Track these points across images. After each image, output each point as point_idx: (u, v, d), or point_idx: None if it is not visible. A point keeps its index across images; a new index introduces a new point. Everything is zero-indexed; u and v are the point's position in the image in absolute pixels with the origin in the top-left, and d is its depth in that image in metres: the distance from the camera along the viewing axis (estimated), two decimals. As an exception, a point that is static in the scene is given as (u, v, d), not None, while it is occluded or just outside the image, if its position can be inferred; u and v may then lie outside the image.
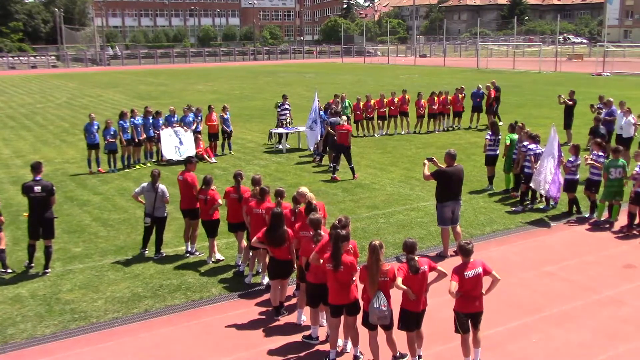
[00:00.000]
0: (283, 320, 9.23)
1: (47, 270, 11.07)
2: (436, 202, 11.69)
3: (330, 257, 7.69)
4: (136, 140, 19.57)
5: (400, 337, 7.81)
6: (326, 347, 8.20)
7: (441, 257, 11.44)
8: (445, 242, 11.67)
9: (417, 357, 7.84)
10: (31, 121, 30.86)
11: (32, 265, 11.24)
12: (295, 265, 9.33)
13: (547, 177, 13.51)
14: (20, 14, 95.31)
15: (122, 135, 19.16)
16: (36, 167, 11.27)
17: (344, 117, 18.59)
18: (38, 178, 11.15)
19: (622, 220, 13.17)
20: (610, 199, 13.17)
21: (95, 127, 19.02)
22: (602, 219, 13.41)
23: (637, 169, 12.67)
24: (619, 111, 19.47)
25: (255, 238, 9.32)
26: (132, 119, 19.67)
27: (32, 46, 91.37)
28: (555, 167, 13.56)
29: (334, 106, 20.97)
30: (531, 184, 13.92)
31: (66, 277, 10.85)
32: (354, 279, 7.76)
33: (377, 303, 7.37)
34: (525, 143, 14.49)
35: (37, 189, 10.99)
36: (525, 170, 14.31)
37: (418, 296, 7.52)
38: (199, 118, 21.30)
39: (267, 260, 10.38)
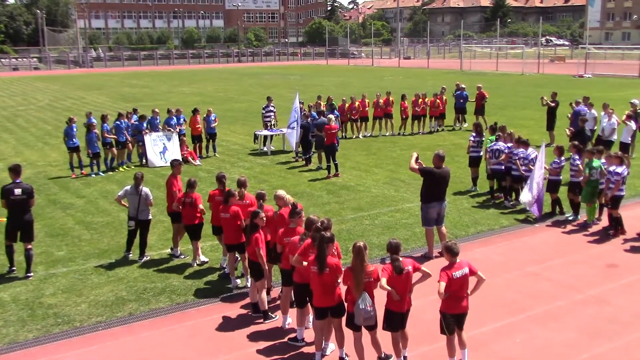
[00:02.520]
0: (268, 323, 9.20)
1: (29, 274, 10.95)
2: (421, 202, 11.71)
3: (315, 260, 7.68)
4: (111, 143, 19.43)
5: (384, 337, 7.82)
6: (312, 349, 8.18)
7: (426, 258, 11.47)
8: (430, 243, 11.70)
9: (402, 357, 7.85)
10: (13, 124, 30.55)
11: (14, 269, 11.12)
12: (267, 269, 9.30)
13: (534, 194, 13.67)
14: (1, 16, 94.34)
15: (103, 137, 19.07)
16: (16, 170, 11.14)
17: (331, 117, 18.75)
18: (18, 181, 11.03)
19: (604, 220, 13.36)
20: (590, 200, 13.29)
21: (75, 130, 18.97)
22: (591, 220, 13.53)
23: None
24: (602, 113, 19.63)
25: None
26: (116, 121, 19.63)
27: (13, 48, 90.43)
28: (540, 185, 13.71)
29: (322, 108, 21.20)
30: (521, 199, 13.96)
31: (49, 281, 10.75)
32: (339, 280, 7.76)
33: (362, 304, 7.37)
34: (511, 146, 14.71)
35: (17, 191, 10.87)
36: (513, 172, 14.59)
37: (402, 297, 7.54)
38: (182, 120, 21.23)
39: (247, 263, 10.41)
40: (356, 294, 7.41)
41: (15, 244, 11.09)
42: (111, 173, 19.17)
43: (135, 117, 20.64)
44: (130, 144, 20.05)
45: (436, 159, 11.55)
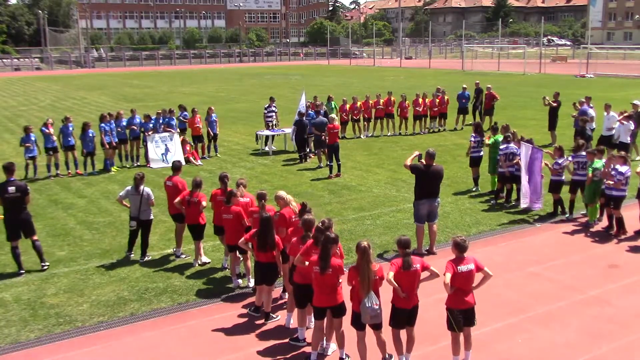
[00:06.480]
0: (269, 323, 9.21)
1: (44, 264, 11.16)
2: (414, 199, 11.81)
3: (318, 260, 7.67)
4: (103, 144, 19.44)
5: (388, 337, 7.81)
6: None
7: (414, 254, 11.37)
8: (420, 240, 11.76)
9: (402, 356, 7.83)
10: (14, 124, 30.55)
11: (23, 271, 11.11)
12: (281, 270, 9.32)
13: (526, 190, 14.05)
14: (3, 16, 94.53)
15: (104, 138, 19.09)
16: (9, 168, 11.24)
17: (334, 116, 19.01)
18: (12, 179, 11.11)
19: (604, 220, 13.35)
20: (592, 200, 13.30)
21: (71, 128, 19.09)
22: (592, 220, 13.54)
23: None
24: (604, 113, 19.57)
25: (242, 239, 9.31)
26: (118, 121, 19.69)
27: (15, 48, 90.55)
28: (529, 179, 13.87)
29: (321, 107, 21.31)
30: (522, 204, 14.36)
31: (51, 281, 10.76)
32: (340, 281, 7.76)
33: (369, 302, 7.35)
34: (514, 146, 14.71)
35: (11, 189, 10.96)
36: (514, 173, 14.60)
37: (408, 293, 7.54)
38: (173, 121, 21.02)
39: (248, 263, 10.40)
40: (363, 293, 7.40)
41: (19, 241, 11.13)
42: (113, 173, 19.21)
43: (124, 120, 20.35)
44: (127, 145, 20.07)
45: (426, 157, 11.66)
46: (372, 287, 7.41)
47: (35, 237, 11.25)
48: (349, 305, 7.79)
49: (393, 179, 17.81)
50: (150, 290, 10.36)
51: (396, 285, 7.44)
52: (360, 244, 7.48)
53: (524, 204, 14.25)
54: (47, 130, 18.70)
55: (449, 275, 7.41)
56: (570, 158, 14.02)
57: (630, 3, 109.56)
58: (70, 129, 19.09)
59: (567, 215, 13.96)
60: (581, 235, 12.97)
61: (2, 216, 11.25)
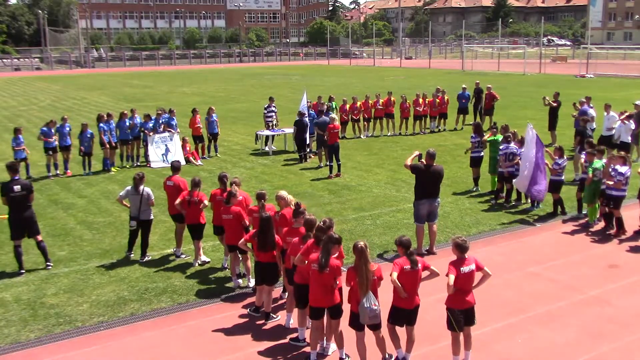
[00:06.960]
0: (269, 323, 9.21)
1: (49, 264, 11.22)
2: (414, 199, 11.83)
3: (318, 259, 7.67)
4: (112, 143, 19.42)
5: (388, 337, 7.82)
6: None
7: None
8: (420, 240, 11.77)
9: (400, 350, 7.84)
10: (14, 124, 30.40)
11: (23, 271, 11.12)
12: (281, 270, 9.32)
13: (528, 179, 13.90)
14: (3, 16, 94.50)
15: (103, 137, 19.08)
16: (13, 167, 11.28)
17: (334, 116, 19.05)
18: (16, 177, 11.15)
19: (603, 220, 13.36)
20: (592, 200, 13.30)
21: (68, 129, 19.14)
22: (592, 220, 13.54)
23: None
24: (604, 113, 19.57)
25: (242, 240, 9.31)
26: (122, 122, 19.70)
27: (15, 48, 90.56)
28: (535, 168, 13.75)
29: (323, 106, 21.35)
30: (515, 185, 14.41)
31: (51, 281, 10.76)
32: (337, 281, 7.75)
33: (367, 303, 7.35)
34: (514, 146, 14.72)
35: (17, 188, 11.01)
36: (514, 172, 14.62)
37: (410, 293, 7.55)
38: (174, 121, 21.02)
39: (249, 263, 10.40)
40: (362, 294, 7.40)
41: (23, 240, 11.17)
42: (112, 173, 19.22)
43: (128, 120, 20.32)
44: (129, 146, 20.07)
45: (426, 157, 11.68)
46: (370, 287, 7.41)
47: (39, 238, 11.31)
48: (347, 307, 7.78)
49: (393, 179, 17.81)
50: (150, 290, 10.36)
51: (400, 286, 7.44)
52: (357, 244, 7.47)
53: (520, 185, 14.27)
54: (48, 133, 18.72)
55: (452, 277, 7.38)
56: (583, 156, 14.12)
57: (630, 3, 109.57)
58: (67, 129, 19.12)
59: (567, 214, 13.95)
60: (581, 235, 12.97)
61: (7, 215, 11.26)
